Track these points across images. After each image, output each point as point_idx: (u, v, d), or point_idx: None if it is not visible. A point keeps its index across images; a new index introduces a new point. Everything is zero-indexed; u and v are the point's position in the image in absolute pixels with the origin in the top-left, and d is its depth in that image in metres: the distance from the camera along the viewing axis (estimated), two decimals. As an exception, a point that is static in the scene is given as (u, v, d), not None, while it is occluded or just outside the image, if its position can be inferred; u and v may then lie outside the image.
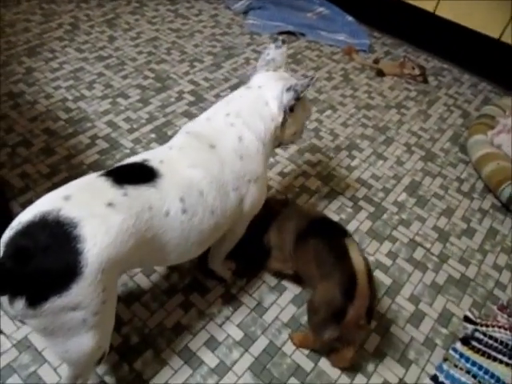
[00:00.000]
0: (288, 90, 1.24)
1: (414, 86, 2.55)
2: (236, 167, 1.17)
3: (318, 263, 1.24)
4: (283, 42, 1.35)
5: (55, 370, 1.21)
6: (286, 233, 1.36)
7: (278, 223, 1.41)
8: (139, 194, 0.99)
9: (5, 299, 0.86)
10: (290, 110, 1.27)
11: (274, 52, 1.33)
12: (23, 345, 1.25)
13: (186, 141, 1.20)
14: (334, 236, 1.29)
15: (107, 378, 1.21)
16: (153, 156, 1.11)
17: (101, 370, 1.22)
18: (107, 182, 0.98)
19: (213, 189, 1.12)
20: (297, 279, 1.48)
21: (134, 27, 2.62)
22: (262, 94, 1.26)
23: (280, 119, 1.27)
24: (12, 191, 1.63)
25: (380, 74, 2.55)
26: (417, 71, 2.53)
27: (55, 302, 0.85)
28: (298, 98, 1.25)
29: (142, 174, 1.04)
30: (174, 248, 1.07)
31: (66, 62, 2.29)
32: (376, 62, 2.59)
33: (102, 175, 1.01)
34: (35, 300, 0.84)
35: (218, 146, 1.18)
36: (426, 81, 2.56)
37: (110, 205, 0.93)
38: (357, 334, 1.24)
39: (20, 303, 0.85)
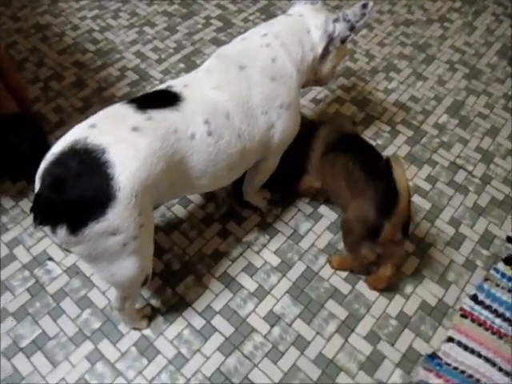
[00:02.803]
0: (336, 20, 1.21)
1: (460, -5, 2.34)
2: (266, 88, 1.14)
3: (348, 181, 1.23)
4: None
5: (104, 293, 1.28)
6: (315, 141, 1.34)
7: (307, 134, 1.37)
8: (163, 117, 0.99)
9: (48, 229, 0.90)
10: (341, 42, 1.24)
11: None
12: (72, 271, 1.32)
13: (215, 63, 1.18)
14: (366, 153, 1.27)
15: (153, 301, 1.28)
16: (177, 82, 1.10)
17: (146, 294, 1.29)
18: (130, 108, 0.98)
19: (239, 111, 1.10)
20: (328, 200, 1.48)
21: (156, -52, 2.47)
22: (304, 22, 1.22)
23: (320, 50, 1.23)
24: (49, 125, 1.65)
25: (421, -16, 2.34)
26: (463, -22, 2.31)
27: (94, 228, 0.88)
28: (353, 28, 1.21)
29: (165, 99, 1.03)
30: (203, 172, 1.07)
31: (90, -11, 2.21)
32: (417, -30, 2.37)
33: (126, 103, 1.01)
34: (75, 227, 0.88)
35: (248, 66, 1.15)
36: (472, -11, 2.34)
37: (135, 129, 0.94)
38: (394, 250, 1.24)
39: (62, 231, 0.88)
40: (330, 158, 1.30)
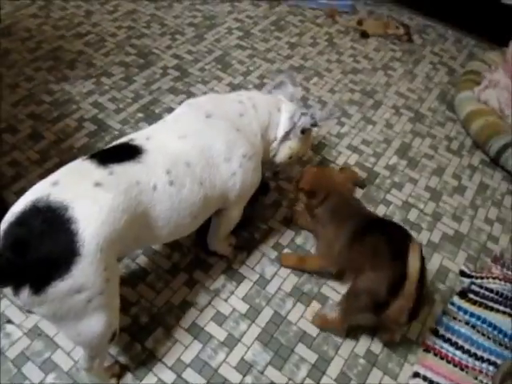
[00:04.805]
0: (304, 114, 1.34)
1: (399, 45, 2.53)
2: (230, 136, 1.19)
3: (371, 257, 1.24)
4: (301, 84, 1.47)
5: (69, 354, 1.24)
6: (342, 229, 1.34)
7: (336, 219, 1.37)
8: (125, 171, 1.00)
9: (10, 290, 0.87)
10: (301, 132, 1.36)
11: (293, 89, 1.46)
12: (34, 332, 1.27)
13: (182, 112, 1.23)
14: (393, 235, 1.29)
15: (121, 358, 1.25)
16: (140, 134, 1.13)
17: (114, 350, 1.25)
18: (92, 164, 1.00)
19: (202, 158, 1.13)
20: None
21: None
22: (278, 102, 1.36)
23: (282, 131, 1.34)
24: (4, 180, 1.61)
25: (364, 35, 2.52)
26: (401, 30, 2.51)
27: (59, 286, 0.86)
28: (314, 125, 1.36)
29: (127, 153, 1.05)
30: (166, 222, 1.08)
31: (44, 40, 2.21)
32: (360, 23, 2.55)
33: (87, 158, 1.02)
34: (39, 287, 0.86)
35: (215, 115, 1.20)
36: (410, 39, 2.54)
37: (97, 184, 0.95)
38: (395, 328, 1.31)
39: (25, 292, 0.86)
40: (359, 241, 1.29)
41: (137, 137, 1.11)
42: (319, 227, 1.42)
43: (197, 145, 1.14)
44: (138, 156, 1.05)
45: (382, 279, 1.19)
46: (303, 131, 1.37)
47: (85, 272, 0.88)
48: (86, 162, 1.01)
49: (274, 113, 1.32)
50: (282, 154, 1.38)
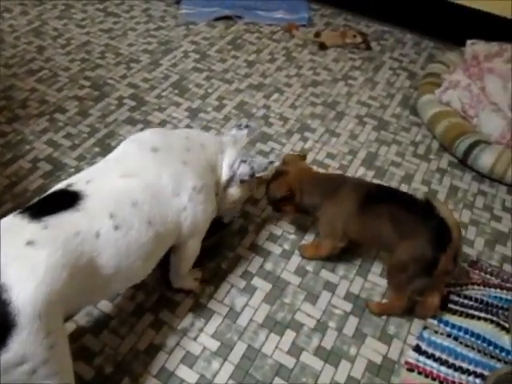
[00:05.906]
0: (244, 162, 1.28)
1: (358, 54, 2.51)
2: (177, 170, 1.14)
3: (394, 225, 1.28)
4: (246, 126, 1.41)
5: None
6: (343, 204, 1.36)
7: (330, 198, 1.38)
8: (61, 222, 0.93)
9: None
10: (240, 182, 1.32)
11: (236, 132, 1.41)
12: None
13: (126, 149, 1.18)
14: (404, 198, 1.37)
15: (84, 417, 1.17)
16: (80, 177, 1.06)
17: (77, 408, 1.17)
18: (24, 219, 0.92)
19: (149, 194, 1.07)
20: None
21: (63, 33, 2.47)
22: (223, 146, 1.32)
23: (225, 178, 1.30)
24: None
25: (322, 47, 2.50)
26: (359, 39, 2.50)
27: None
28: (252, 176, 1.30)
29: (64, 201, 0.98)
30: (116, 269, 1.02)
31: (-6, 81, 2.15)
32: (317, 35, 2.53)
33: (18, 214, 0.95)
34: None
35: (161, 149, 1.15)
36: (369, 47, 2.53)
37: (29, 243, 0.87)
38: (443, 280, 1.37)
39: None
40: (369, 210, 1.34)
41: (76, 181, 1.05)
42: (315, 214, 1.44)
43: (142, 181, 1.08)
44: (78, 203, 0.98)
45: (423, 242, 1.23)
46: (242, 181, 1.32)
47: (24, 343, 0.81)
48: (17, 218, 0.93)
49: (218, 156, 1.29)
50: (227, 199, 1.35)
